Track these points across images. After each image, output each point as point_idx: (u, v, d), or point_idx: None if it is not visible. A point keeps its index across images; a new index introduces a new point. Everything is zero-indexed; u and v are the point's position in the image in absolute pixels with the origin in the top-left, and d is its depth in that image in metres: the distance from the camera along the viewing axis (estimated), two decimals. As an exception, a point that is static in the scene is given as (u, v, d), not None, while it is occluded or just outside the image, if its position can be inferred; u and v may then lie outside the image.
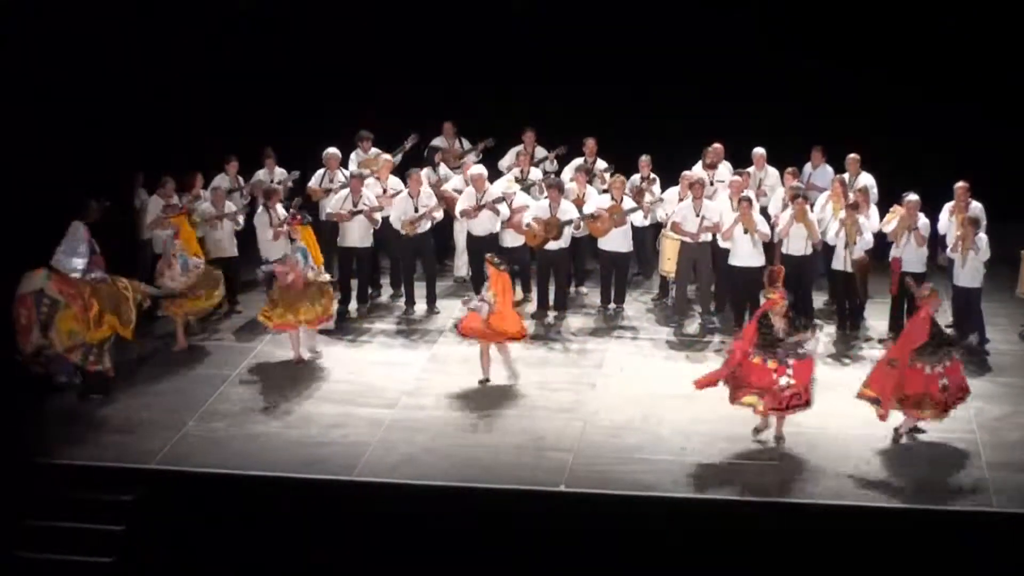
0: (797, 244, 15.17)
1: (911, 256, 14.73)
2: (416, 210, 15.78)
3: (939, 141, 17.37)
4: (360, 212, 15.68)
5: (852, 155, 16.25)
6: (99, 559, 11.77)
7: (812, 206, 15.55)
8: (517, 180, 16.52)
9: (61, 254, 13.60)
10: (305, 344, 14.66)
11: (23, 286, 13.30)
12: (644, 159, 16.65)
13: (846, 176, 16.02)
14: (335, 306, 14.95)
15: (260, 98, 18.41)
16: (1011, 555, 11.26)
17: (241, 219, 15.90)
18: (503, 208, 15.78)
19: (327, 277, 14.77)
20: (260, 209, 15.58)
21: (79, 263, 13.62)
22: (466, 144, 17.64)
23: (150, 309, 14.52)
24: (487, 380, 13.99)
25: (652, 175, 16.63)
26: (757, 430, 12.72)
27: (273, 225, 15.27)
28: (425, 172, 16.67)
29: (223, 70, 18.18)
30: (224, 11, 18.17)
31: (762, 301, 12.93)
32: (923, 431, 12.67)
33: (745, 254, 15.06)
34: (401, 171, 16.55)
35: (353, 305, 16.06)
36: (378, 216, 15.81)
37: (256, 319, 14.83)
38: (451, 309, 15.64)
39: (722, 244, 15.35)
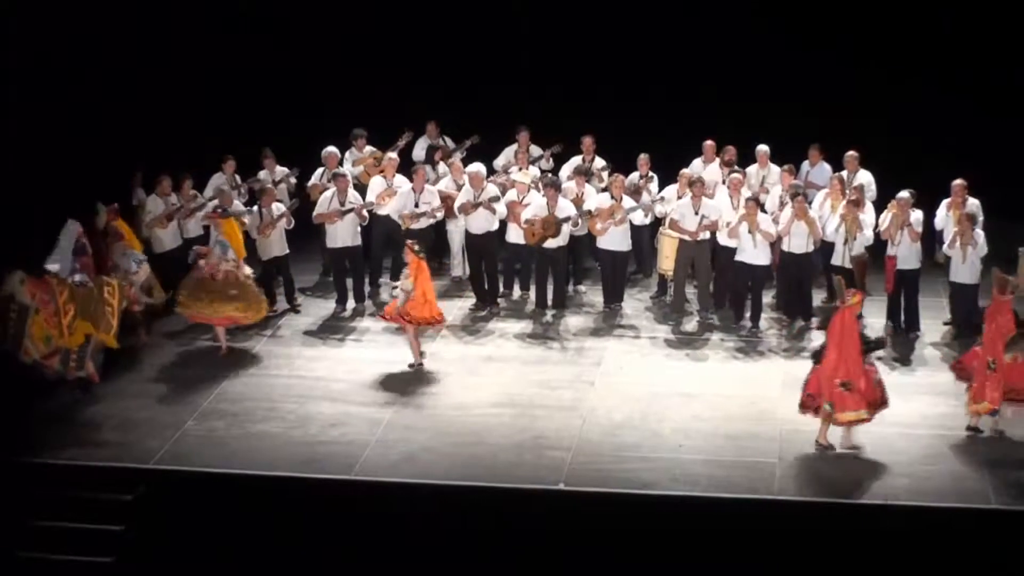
0: (798, 242, 15.15)
1: (905, 252, 14.73)
2: (417, 204, 15.81)
3: (937, 139, 17.36)
4: (350, 211, 15.70)
5: (851, 152, 16.22)
6: (98, 559, 11.78)
7: (810, 204, 15.56)
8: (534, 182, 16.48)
9: (54, 255, 13.54)
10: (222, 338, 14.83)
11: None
12: (643, 157, 16.64)
13: (844, 174, 16.02)
14: (258, 315, 14.83)
15: (259, 98, 18.42)
16: (1011, 554, 11.25)
17: (248, 220, 15.89)
18: (500, 207, 15.78)
19: (248, 271, 14.76)
20: (255, 208, 15.65)
21: (60, 264, 13.53)
22: (450, 143, 17.61)
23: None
24: (418, 365, 14.25)
25: (650, 173, 16.64)
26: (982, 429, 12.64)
27: (264, 223, 15.45)
28: (427, 170, 16.70)
29: (223, 70, 18.20)
30: (224, 11, 18.20)
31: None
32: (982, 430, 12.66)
33: (751, 251, 15.09)
34: (400, 170, 16.56)
35: (351, 304, 16.07)
36: (365, 212, 15.86)
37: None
38: (449, 309, 15.60)
39: (723, 242, 15.37)
